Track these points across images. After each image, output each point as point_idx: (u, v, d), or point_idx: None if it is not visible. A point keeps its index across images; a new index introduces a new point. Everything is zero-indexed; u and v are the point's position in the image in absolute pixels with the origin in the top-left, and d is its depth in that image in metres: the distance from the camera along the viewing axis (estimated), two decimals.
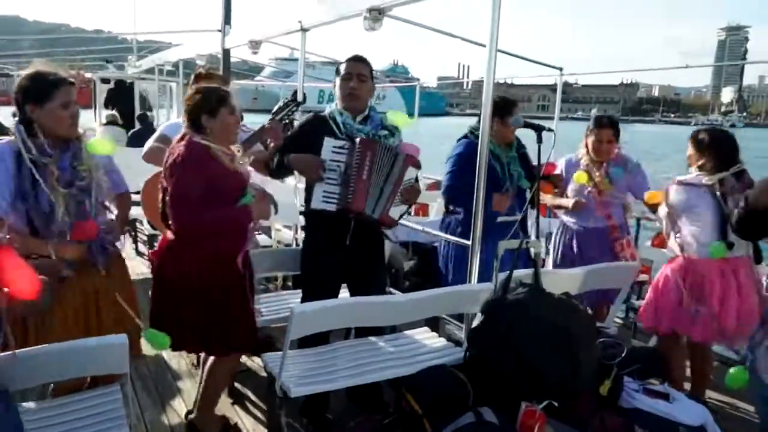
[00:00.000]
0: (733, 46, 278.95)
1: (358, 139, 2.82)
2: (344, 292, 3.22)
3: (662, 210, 3.34)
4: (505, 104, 3.45)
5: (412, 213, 6.86)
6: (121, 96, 11.77)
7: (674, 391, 2.85)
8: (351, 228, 2.88)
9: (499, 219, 3.35)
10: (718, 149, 3.16)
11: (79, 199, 2.35)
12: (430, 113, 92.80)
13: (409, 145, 2.99)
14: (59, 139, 2.34)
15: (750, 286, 3.16)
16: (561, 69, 6.09)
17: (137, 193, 5.24)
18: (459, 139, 3.67)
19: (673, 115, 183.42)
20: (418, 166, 2.94)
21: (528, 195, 3.53)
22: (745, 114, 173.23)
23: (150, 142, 3.79)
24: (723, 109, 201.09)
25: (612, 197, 3.77)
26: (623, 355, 2.86)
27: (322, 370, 2.70)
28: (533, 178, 3.50)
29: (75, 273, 2.33)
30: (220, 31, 5.57)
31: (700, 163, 3.18)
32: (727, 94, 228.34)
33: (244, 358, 3.62)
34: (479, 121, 3.37)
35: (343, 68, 2.97)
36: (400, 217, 3.02)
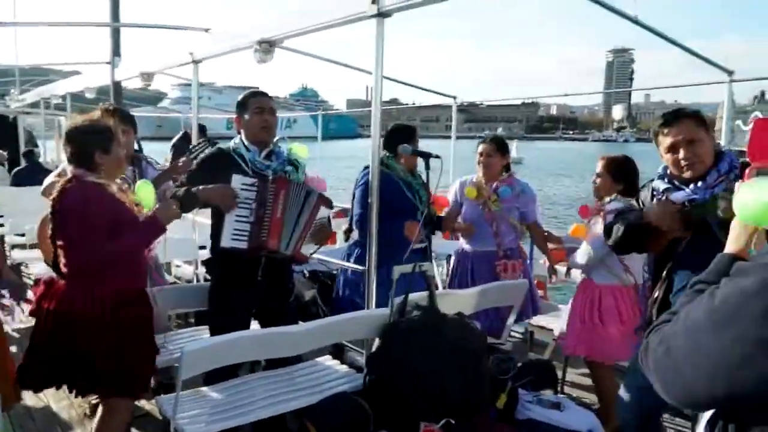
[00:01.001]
0: (620, 67, 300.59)
1: (270, 177, 2.83)
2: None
3: (584, 249, 3.40)
4: (410, 132, 3.59)
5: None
6: (2, 132, 10.96)
7: (565, 399, 3.01)
8: (262, 263, 2.88)
9: (413, 246, 3.30)
10: (633, 174, 3.34)
11: None
12: (342, 136, 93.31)
13: (316, 179, 3.06)
14: None
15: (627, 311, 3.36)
16: (455, 97, 6.38)
17: (22, 235, 4.97)
18: (366, 167, 3.72)
19: (571, 132, 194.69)
20: (329, 206, 3.00)
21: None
22: (635, 130, 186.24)
23: (51, 178, 3.65)
24: (615, 125, 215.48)
25: (500, 218, 3.85)
26: (516, 368, 3.00)
27: (223, 407, 2.65)
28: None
29: None
30: (109, 63, 5.39)
31: (619, 188, 3.29)
32: (618, 112, 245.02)
33: (142, 402, 3.48)
34: (389, 147, 3.49)
35: (252, 102, 2.98)
36: (311, 254, 3.07)
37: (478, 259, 3.91)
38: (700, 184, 2.33)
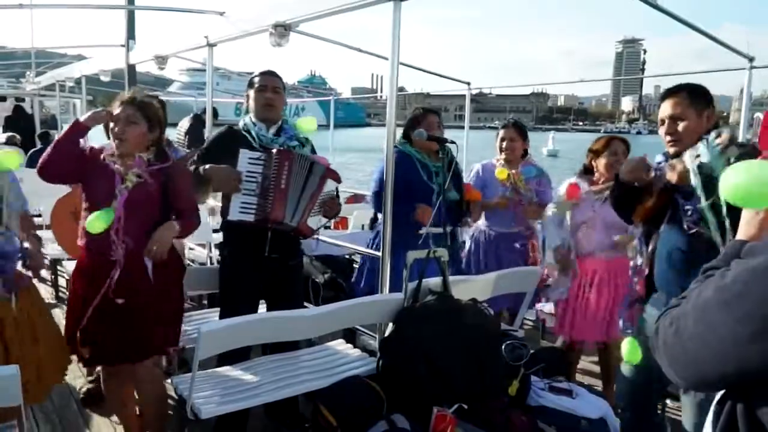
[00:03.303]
0: (630, 57, 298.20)
1: (274, 150, 2.86)
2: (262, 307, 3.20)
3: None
4: (415, 117, 3.53)
5: (332, 227, 6.87)
6: (19, 115, 10.98)
7: (577, 387, 3.01)
8: (269, 238, 2.90)
9: (423, 230, 3.28)
10: None
11: None
12: (351, 124, 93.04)
13: (319, 158, 3.04)
14: None
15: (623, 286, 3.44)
16: (469, 83, 6.32)
17: (38, 216, 5.01)
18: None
19: (581, 123, 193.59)
20: (338, 180, 3.03)
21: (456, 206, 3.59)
22: (647, 122, 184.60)
23: None
24: (625, 117, 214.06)
25: (525, 199, 3.92)
26: (529, 355, 3.00)
27: (237, 388, 2.67)
28: (462, 190, 3.61)
29: None
30: (123, 46, 5.39)
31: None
32: (627, 103, 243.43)
33: None
34: (403, 134, 3.47)
35: (257, 81, 3.06)
36: (318, 228, 3.06)
37: (504, 239, 3.97)
38: None
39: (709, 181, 2.10)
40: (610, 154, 3.45)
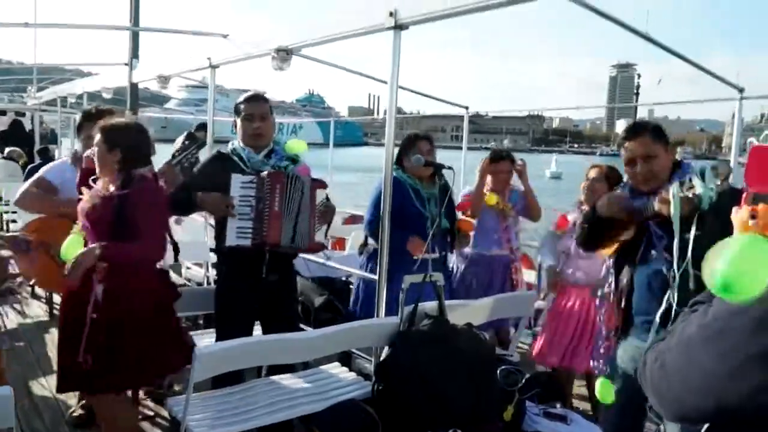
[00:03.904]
0: (624, 82, 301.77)
1: (265, 173, 2.86)
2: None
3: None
4: (407, 142, 3.56)
5: (329, 248, 6.88)
6: (15, 129, 11.03)
7: (572, 412, 3.02)
8: (266, 260, 2.90)
9: (417, 257, 3.24)
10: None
11: None
12: (349, 143, 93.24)
13: (301, 167, 3.06)
14: None
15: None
16: (467, 108, 6.40)
17: None
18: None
19: (577, 146, 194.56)
20: (324, 186, 3.03)
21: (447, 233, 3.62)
22: None
23: (26, 185, 3.33)
24: (620, 140, 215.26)
25: (512, 224, 4.08)
26: (524, 380, 3.00)
27: (232, 411, 2.66)
28: (454, 216, 3.66)
29: None
30: (127, 64, 5.45)
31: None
32: (622, 126, 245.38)
33: (152, 404, 3.50)
34: (396, 159, 3.46)
35: (243, 108, 3.01)
36: (325, 236, 3.09)
37: (488, 264, 4.06)
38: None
39: (692, 214, 2.13)
40: (585, 179, 3.62)
